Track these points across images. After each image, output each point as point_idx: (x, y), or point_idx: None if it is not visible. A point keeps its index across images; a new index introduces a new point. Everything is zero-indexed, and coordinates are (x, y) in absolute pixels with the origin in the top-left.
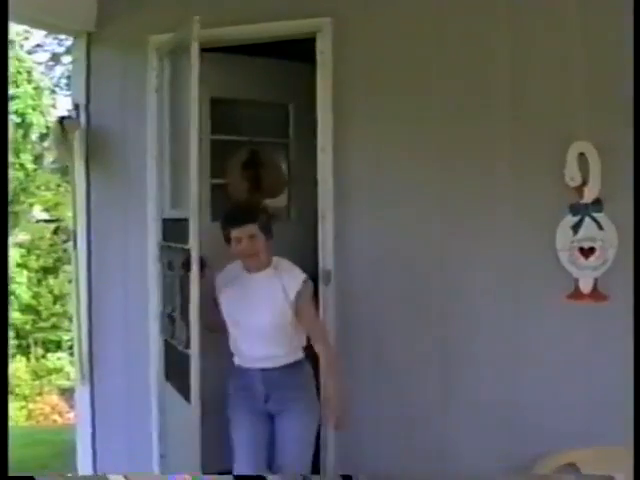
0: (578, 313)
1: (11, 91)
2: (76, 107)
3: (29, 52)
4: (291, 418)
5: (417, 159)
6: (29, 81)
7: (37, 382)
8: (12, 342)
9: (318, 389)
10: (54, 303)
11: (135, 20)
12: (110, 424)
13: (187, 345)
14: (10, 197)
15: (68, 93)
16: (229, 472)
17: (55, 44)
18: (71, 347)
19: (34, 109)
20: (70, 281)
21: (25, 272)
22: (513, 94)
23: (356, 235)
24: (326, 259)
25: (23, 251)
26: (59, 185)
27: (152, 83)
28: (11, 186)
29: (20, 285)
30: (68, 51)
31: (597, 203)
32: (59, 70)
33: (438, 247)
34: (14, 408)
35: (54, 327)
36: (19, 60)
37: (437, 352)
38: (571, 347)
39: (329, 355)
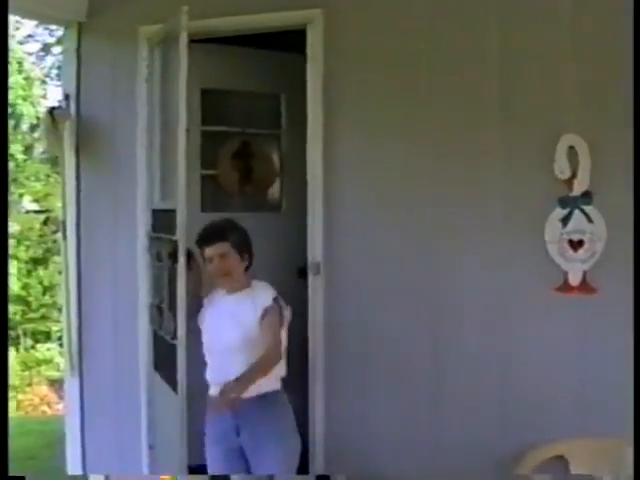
0: (567, 306)
1: None
2: (66, 97)
3: (20, 42)
4: (265, 455)
5: (407, 152)
6: (20, 71)
7: (26, 373)
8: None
9: (299, 424)
10: (44, 294)
11: (126, 10)
12: (99, 415)
13: (175, 336)
14: None
15: (59, 84)
16: None
17: (46, 34)
18: (60, 338)
19: (25, 99)
20: (60, 272)
21: (15, 263)
22: (503, 87)
23: (346, 227)
24: (315, 251)
25: (13, 242)
26: (49, 176)
27: (142, 74)
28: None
29: (10, 276)
30: (59, 41)
31: (586, 196)
32: (50, 60)
33: (427, 239)
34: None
35: (44, 318)
36: (10, 50)
37: (426, 344)
38: (560, 339)
39: (256, 373)
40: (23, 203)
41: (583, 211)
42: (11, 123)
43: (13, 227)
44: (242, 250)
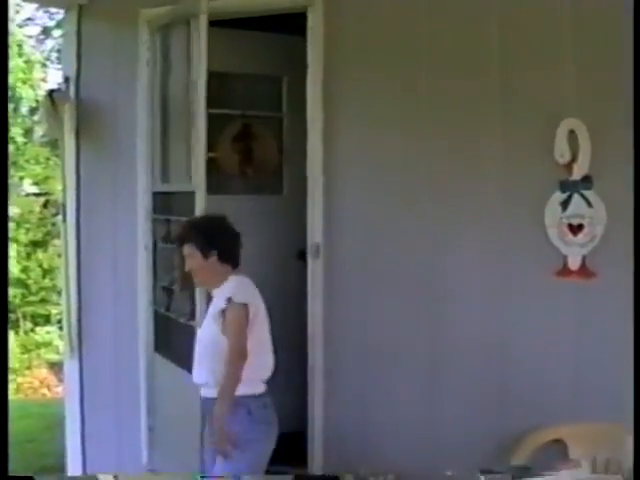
0: (566, 290)
1: None
2: (66, 80)
3: (20, 25)
4: (220, 461)
5: (407, 135)
6: (20, 55)
7: (26, 356)
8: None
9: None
10: (43, 277)
11: None
12: (99, 397)
13: (191, 317)
14: None
15: (59, 67)
16: None
17: (46, 17)
18: (60, 321)
19: (24, 83)
20: (59, 255)
21: (14, 246)
22: (503, 70)
23: (345, 209)
24: (315, 233)
25: (12, 225)
26: (49, 159)
27: (143, 56)
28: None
29: (9, 259)
30: (59, 25)
31: (586, 180)
32: (50, 44)
33: (426, 221)
34: None
35: (43, 301)
36: (10, 34)
37: (425, 328)
38: (559, 323)
39: (227, 380)
40: (23, 186)
41: (583, 195)
42: (11, 106)
43: (13, 210)
44: (204, 249)
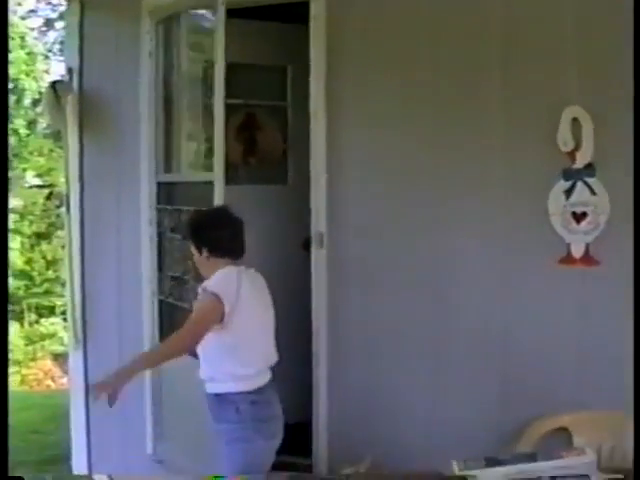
0: (570, 278)
1: None
2: (69, 71)
3: (22, 18)
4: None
5: (410, 125)
6: (22, 47)
7: (30, 347)
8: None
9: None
10: (47, 268)
11: None
12: None
13: None
14: None
15: (61, 59)
16: None
17: (48, 9)
18: (64, 312)
19: (27, 75)
20: (63, 246)
21: (18, 238)
22: (506, 58)
23: (349, 198)
24: (319, 222)
25: (16, 217)
26: (52, 150)
27: (146, 47)
28: None
29: (13, 251)
30: (61, 16)
31: (589, 168)
32: (52, 35)
33: (429, 210)
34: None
35: (47, 292)
36: (12, 25)
37: (428, 317)
38: (562, 311)
39: (155, 351)
40: (26, 178)
41: (586, 183)
42: (14, 98)
43: (17, 202)
44: (197, 245)
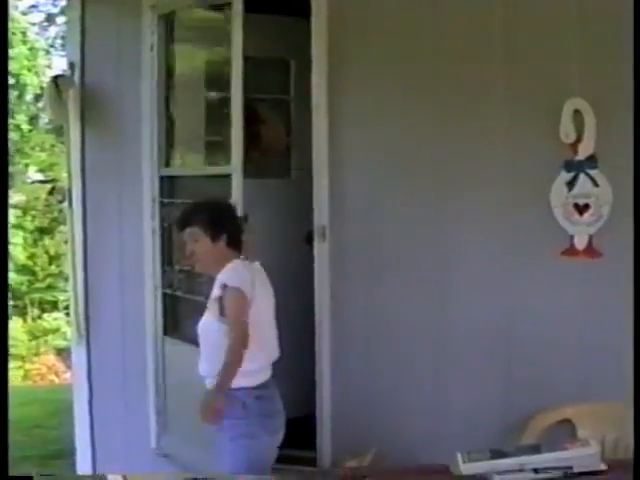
0: (572, 270)
1: None
2: (71, 66)
3: (23, 13)
4: (219, 452)
5: (411, 119)
6: (24, 42)
7: (34, 342)
8: (8, 303)
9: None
10: (50, 263)
11: None
12: (107, 383)
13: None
14: None
15: (63, 54)
16: None
17: (49, 4)
18: (67, 307)
19: (29, 70)
20: (66, 241)
21: (21, 233)
22: (508, 49)
23: (352, 192)
24: (321, 215)
25: (19, 212)
26: (54, 145)
27: (147, 42)
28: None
29: (16, 246)
30: (62, 12)
31: (591, 159)
32: (54, 30)
33: (432, 203)
34: (10, 368)
35: (50, 287)
36: (13, 21)
37: (430, 309)
38: (565, 303)
39: (225, 368)
40: (29, 173)
41: (588, 175)
42: (16, 94)
43: (19, 197)
44: (213, 233)
